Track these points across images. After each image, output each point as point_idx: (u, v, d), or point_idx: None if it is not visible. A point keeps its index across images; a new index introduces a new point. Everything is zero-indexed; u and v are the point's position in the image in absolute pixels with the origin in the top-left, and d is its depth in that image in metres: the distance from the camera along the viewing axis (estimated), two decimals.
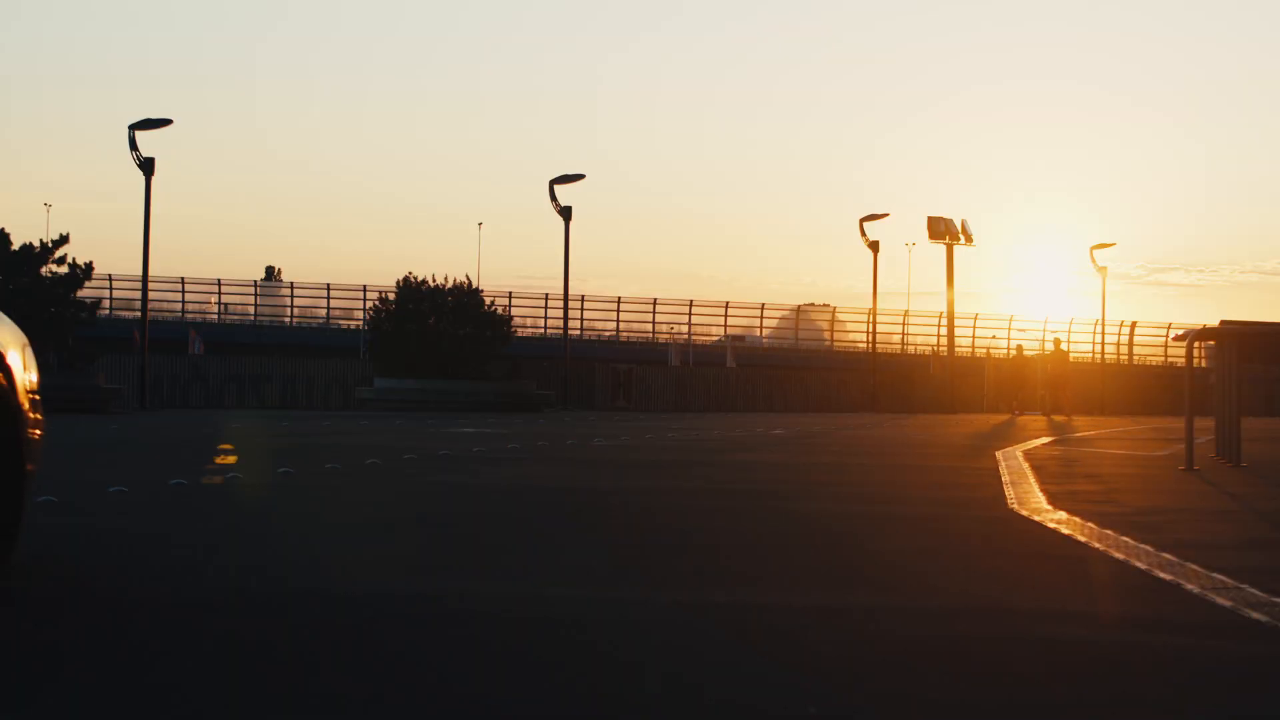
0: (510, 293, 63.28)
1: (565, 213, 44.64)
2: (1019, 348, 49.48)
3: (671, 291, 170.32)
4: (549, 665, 4.08)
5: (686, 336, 64.48)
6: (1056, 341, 45.31)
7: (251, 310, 66.45)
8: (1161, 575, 5.84)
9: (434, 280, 41.07)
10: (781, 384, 54.18)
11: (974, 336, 66.67)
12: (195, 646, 4.31)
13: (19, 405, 5.76)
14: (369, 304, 52.16)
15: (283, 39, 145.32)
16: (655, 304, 66.70)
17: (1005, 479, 11.53)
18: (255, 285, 67.35)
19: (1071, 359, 51.17)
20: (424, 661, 4.10)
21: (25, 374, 5.88)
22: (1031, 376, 44.82)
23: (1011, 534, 7.65)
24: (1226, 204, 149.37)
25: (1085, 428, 26.85)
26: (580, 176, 45.02)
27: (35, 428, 5.91)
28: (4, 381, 5.69)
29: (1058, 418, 38.17)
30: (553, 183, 44.49)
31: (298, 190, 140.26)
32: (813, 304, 73.10)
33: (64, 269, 35.42)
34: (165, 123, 36.68)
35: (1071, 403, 43.30)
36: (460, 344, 40.51)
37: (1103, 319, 56.48)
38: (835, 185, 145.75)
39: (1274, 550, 7.17)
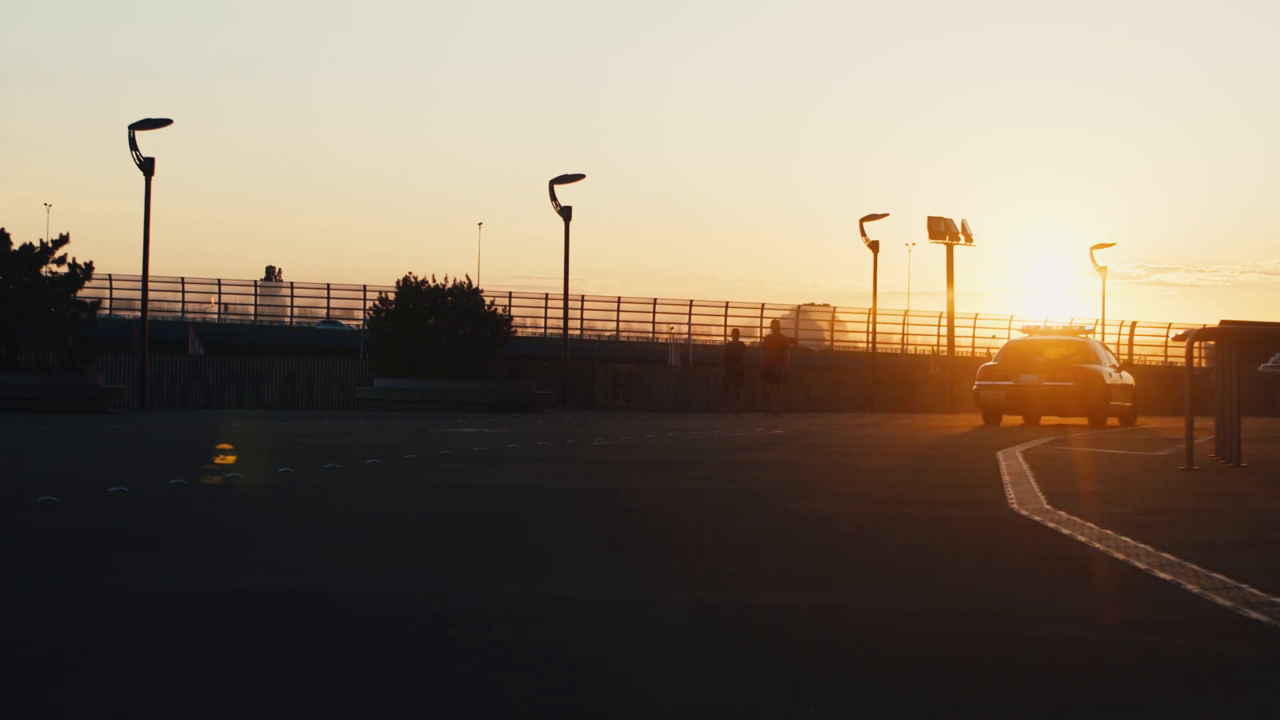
0: (510, 293, 63.34)
1: (565, 213, 44.62)
2: (734, 330, 44.16)
3: (671, 291, 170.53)
4: (547, 665, 4.09)
5: (686, 336, 64.48)
6: (775, 323, 40.48)
7: (251, 310, 66.50)
8: (1161, 575, 5.84)
9: (434, 280, 41.03)
10: None
11: (974, 336, 66.67)
12: (196, 650, 4.31)
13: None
14: (369, 304, 52.15)
15: (283, 40, 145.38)
16: (655, 304, 66.74)
17: (1005, 479, 11.52)
18: (255, 285, 67.42)
19: (796, 343, 46.53)
20: (426, 662, 4.10)
21: (1118, 374, 23.77)
22: (748, 368, 39.07)
23: (1012, 534, 7.65)
24: (1226, 204, 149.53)
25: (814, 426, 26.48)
26: (580, 176, 44.96)
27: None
28: (1134, 384, 26.50)
29: (770, 413, 35.45)
30: (553, 183, 44.44)
31: (298, 190, 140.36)
32: (813, 304, 73.12)
33: (64, 269, 35.34)
34: (165, 123, 36.66)
35: (783, 394, 37.95)
36: (460, 344, 40.48)
37: (1103, 319, 56.47)
38: (836, 185, 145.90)
39: (1274, 550, 7.18)
